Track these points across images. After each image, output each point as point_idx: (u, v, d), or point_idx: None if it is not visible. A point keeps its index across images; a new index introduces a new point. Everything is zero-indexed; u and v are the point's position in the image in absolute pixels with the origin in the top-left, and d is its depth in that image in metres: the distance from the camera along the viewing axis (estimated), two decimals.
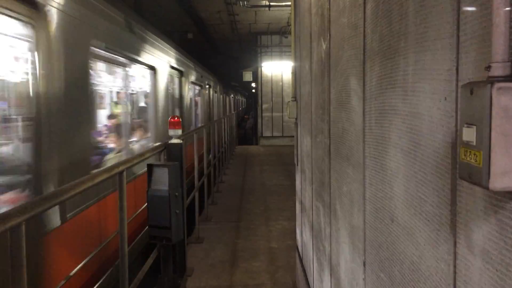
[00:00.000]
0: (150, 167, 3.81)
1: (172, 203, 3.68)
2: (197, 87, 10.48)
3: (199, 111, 10.60)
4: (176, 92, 7.74)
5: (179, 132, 4.34)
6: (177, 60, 7.67)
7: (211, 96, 12.72)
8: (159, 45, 6.32)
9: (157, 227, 3.73)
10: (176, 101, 7.68)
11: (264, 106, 17.96)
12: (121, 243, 2.87)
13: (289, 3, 5.86)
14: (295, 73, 4.49)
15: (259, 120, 18.24)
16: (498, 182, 0.77)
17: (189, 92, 9.05)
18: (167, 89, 6.68)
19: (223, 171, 10.77)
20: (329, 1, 2.42)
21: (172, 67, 7.23)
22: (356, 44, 1.83)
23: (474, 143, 0.80)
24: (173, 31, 15.73)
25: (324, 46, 2.63)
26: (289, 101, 4.56)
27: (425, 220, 1.15)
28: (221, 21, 14.97)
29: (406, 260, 1.28)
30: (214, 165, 8.35)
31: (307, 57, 3.46)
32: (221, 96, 16.60)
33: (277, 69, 17.71)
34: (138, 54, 5.17)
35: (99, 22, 3.89)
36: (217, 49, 21.63)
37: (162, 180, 3.72)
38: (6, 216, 1.57)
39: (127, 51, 4.73)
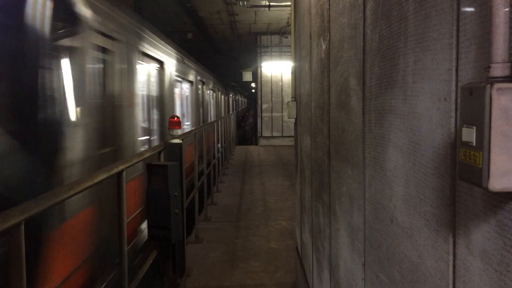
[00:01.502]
0: (149, 167, 3.81)
1: (172, 203, 3.68)
2: (211, 92, 13.30)
3: (211, 108, 13.55)
4: (200, 95, 10.58)
5: (179, 132, 4.34)
6: (200, 74, 10.63)
7: (219, 98, 15.64)
8: (193, 66, 9.54)
9: (156, 227, 3.73)
10: (200, 102, 10.53)
11: (264, 106, 17.96)
12: (121, 243, 2.87)
13: (289, 3, 5.86)
14: (295, 73, 4.49)
15: (259, 120, 18.23)
16: (497, 182, 0.77)
17: (206, 95, 11.99)
18: (197, 94, 9.88)
19: (223, 171, 10.77)
20: (329, 1, 2.42)
21: (199, 80, 10.35)
22: (356, 44, 1.83)
23: (474, 144, 0.80)
24: (173, 31, 15.73)
25: (324, 46, 2.63)
26: (288, 101, 4.56)
27: (424, 221, 1.15)
28: (221, 21, 14.97)
29: (406, 260, 1.28)
30: (214, 165, 8.36)
31: (307, 57, 3.46)
32: (227, 97, 19.72)
33: (276, 69, 17.71)
34: (185, 75, 8.30)
35: (176, 64, 7.25)
36: (217, 49, 21.62)
37: (162, 180, 3.71)
38: (6, 216, 1.57)
39: (182, 74, 7.92)
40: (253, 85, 23.58)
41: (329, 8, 2.42)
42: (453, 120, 0.98)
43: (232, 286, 4.47)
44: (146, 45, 5.06)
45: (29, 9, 2.57)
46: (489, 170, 0.77)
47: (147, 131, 5.40)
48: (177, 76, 7.25)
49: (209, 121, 11.53)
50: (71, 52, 2.98)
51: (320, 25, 2.77)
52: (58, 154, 2.79)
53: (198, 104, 10.08)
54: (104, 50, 3.73)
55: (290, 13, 4.77)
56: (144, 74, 5.26)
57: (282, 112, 17.53)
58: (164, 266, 4.10)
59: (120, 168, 2.83)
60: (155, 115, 5.65)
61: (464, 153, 0.84)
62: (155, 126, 5.76)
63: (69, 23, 2.97)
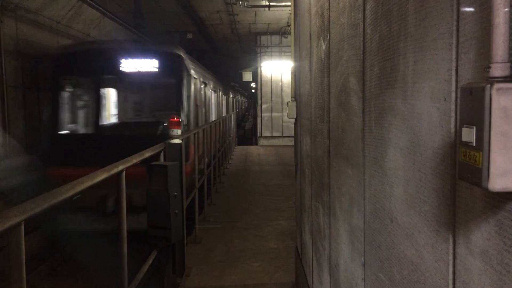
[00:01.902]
0: (150, 167, 3.81)
1: (172, 203, 3.68)
2: (223, 95, 17.70)
3: (223, 106, 18.05)
4: (218, 98, 14.71)
5: (179, 132, 4.35)
6: (218, 84, 14.66)
7: (230, 100, 21.41)
8: (216, 80, 13.89)
9: (156, 227, 3.73)
10: (219, 102, 14.75)
11: (264, 106, 17.97)
12: (121, 243, 2.87)
13: (289, 3, 5.85)
14: (295, 73, 4.49)
15: (259, 120, 18.24)
16: (497, 182, 0.77)
17: (220, 97, 15.88)
18: (217, 97, 14.12)
19: (222, 171, 10.77)
20: (329, 1, 2.42)
21: (218, 88, 14.48)
22: (356, 44, 1.83)
23: (474, 144, 0.80)
24: (173, 31, 15.72)
25: (324, 46, 2.63)
26: (288, 101, 4.56)
27: (424, 221, 1.15)
28: (221, 21, 14.97)
29: (406, 260, 1.28)
30: (214, 166, 8.36)
31: (307, 57, 3.46)
32: (230, 97, 24.94)
33: (276, 69, 17.71)
34: (213, 88, 12.35)
35: (219, 86, 14.77)
36: (217, 49, 21.64)
37: (162, 180, 3.72)
38: (6, 216, 1.57)
39: (213, 87, 12.10)
40: (253, 85, 23.69)
41: (329, 8, 2.42)
42: (453, 120, 0.98)
43: (232, 286, 4.48)
44: (205, 79, 10.09)
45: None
46: (489, 170, 0.77)
47: (207, 116, 10.49)
48: (210, 89, 11.43)
49: (223, 115, 16.22)
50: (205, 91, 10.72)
51: (320, 25, 2.77)
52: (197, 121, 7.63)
53: (218, 103, 14.60)
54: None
55: (290, 13, 4.77)
56: (202, 90, 9.37)
57: (282, 112, 17.52)
58: (164, 266, 4.10)
59: (120, 168, 2.84)
60: (203, 109, 9.52)
61: (464, 153, 0.84)
62: (206, 115, 10.29)
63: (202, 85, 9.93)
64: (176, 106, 7.21)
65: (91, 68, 7.14)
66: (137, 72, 7.17)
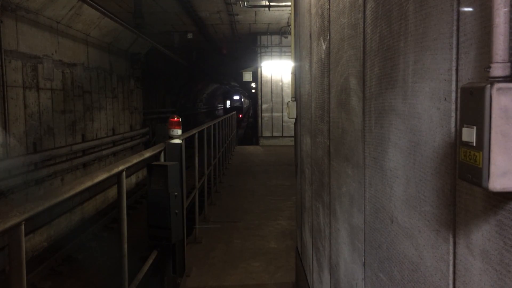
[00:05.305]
0: (149, 167, 3.81)
1: (172, 203, 3.68)
2: (246, 100, 26.46)
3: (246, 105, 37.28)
4: (248, 103, 27.52)
5: (179, 132, 4.35)
6: (245, 96, 35.97)
7: (244, 103, 35.98)
8: (245, 94, 38.10)
9: (156, 227, 3.73)
10: (246, 105, 36.66)
11: (264, 106, 17.96)
12: (121, 243, 2.87)
13: (289, 3, 5.85)
14: (295, 73, 4.49)
15: (259, 120, 18.23)
16: (497, 182, 0.77)
17: (248, 103, 21.95)
18: (246, 102, 25.85)
19: (222, 172, 10.76)
20: (329, 1, 2.42)
21: (246, 98, 29.82)
22: (356, 44, 1.83)
23: (474, 144, 0.80)
24: (173, 31, 15.72)
25: (324, 46, 2.63)
26: (289, 101, 4.56)
27: (424, 221, 1.15)
28: (221, 21, 14.97)
29: (406, 260, 1.28)
30: (214, 165, 8.36)
31: (307, 57, 3.46)
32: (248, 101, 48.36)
33: (277, 69, 17.70)
34: (244, 98, 52.29)
35: (245, 98, 48.56)
36: (217, 49, 21.65)
37: (162, 180, 3.71)
38: (6, 216, 1.57)
39: (245, 98, 35.66)
40: (253, 85, 23.80)
41: (329, 8, 2.42)
42: (453, 120, 0.98)
43: (232, 286, 4.48)
44: (246, 98, 48.30)
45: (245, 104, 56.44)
46: (489, 170, 0.77)
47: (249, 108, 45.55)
48: (245, 99, 35.76)
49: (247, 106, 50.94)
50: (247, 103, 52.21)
51: (320, 25, 2.77)
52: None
53: (247, 104, 32.85)
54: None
55: (290, 13, 4.77)
56: (246, 102, 52.98)
57: (282, 112, 17.51)
58: (164, 266, 4.10)
59: (120, 168, 2.83)
60: (246, 107, 43.71)
61: (464, 153, 0.84)
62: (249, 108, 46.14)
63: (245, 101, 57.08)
64: (241, 108, 47.19)
65: (224, 98, 54.66)
66: (235, 99, 57.95)
